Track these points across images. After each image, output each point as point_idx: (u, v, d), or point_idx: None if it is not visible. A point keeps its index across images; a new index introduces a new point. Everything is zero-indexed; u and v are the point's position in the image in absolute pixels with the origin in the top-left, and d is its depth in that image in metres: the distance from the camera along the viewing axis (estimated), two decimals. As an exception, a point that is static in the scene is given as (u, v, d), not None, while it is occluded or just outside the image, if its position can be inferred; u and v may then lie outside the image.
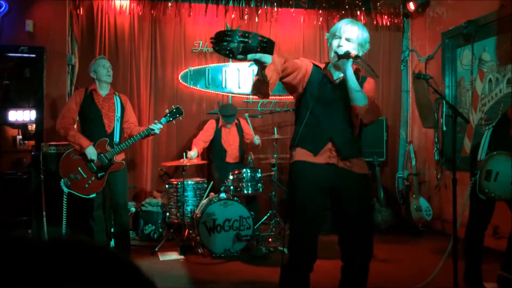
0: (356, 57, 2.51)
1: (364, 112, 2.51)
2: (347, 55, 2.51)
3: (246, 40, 2.10)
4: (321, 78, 2.63)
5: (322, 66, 2.73)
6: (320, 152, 2.56)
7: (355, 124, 2.59)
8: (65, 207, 4.12)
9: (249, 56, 2.16)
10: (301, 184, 2.57)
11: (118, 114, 4.09)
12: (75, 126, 4.21)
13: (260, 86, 2.39)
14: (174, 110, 4.16)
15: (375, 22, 6.29)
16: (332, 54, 2.59)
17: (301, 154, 2.60)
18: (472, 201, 3.38)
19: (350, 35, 2.58)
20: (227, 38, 2.10)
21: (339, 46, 2.57)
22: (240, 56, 2.15)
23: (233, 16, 6.05)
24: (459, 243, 3.07)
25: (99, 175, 3.99)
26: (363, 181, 2.62)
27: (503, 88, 4.77)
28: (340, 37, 2.60)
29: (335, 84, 2.63)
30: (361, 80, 2.66)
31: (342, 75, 2.61)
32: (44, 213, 4.53)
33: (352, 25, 2.61)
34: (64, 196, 4.05)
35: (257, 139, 5.40)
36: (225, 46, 2.12)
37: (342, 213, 2.60)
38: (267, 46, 2.18)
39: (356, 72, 2.65)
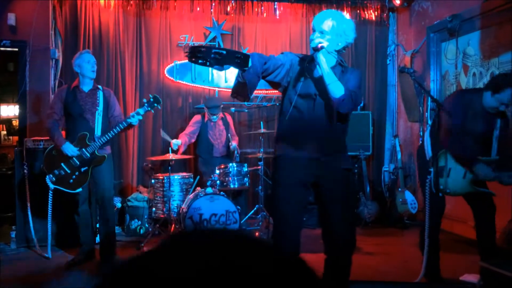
0: (321, 48, 2.52)
1: (339, 103, 2.51)
2: (315, 48, 2.54)
3: (219, 57, 2.15)
4: (305, 72, 2.63)
5: (307, 58, 2.71)
6: (303, 147, 2.57)
7: (334, 114, 2.58)
8: (51, 204, 4.08)
9: (225, 66, 2.22)
10: (283, 178, 2.58)
11: (100, 108, 4.05)
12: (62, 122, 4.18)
13: (240, 89, 2.41)
14: (152, 99, 4.07)
15: (361, 16, 6.30)
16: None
17: (284, 149, 2.60)
18: (428, 197, 3.40)
19: (323, 27, 2.58)
20: (200, 55, 2.13)
21: (312, 39, 2.60)
22: (217, 67, 2.19)
23: (219, 6, 6.02)
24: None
25: (83, 169, 3.96)
26: (345, 175, 2.63)
27: (486, 82, 4.81)
28: (314, 30, 2.61)
29: (318, 76, 2.62)
30: (344, 72, 2.66)
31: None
32: (29, 209, 4.49)
33: (324, 16, 2.60)
34: (49, 192, 4.02)
35: (234, 146, 5.36)
36: (200, 60, 2.15)
37: (324, 206, 2.62)
38: (241, 62, 2.22)
39: (340, 65, 2.66)
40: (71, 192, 3.99)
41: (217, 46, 5.98)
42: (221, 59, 2.15)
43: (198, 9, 5.95)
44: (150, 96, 4.11)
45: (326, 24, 2.57)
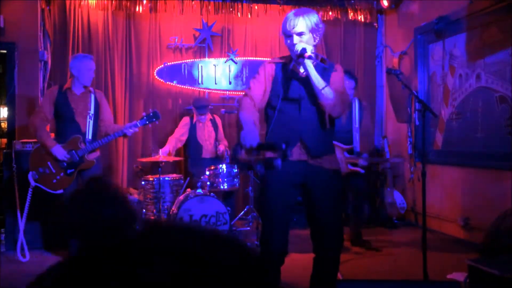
0: (308, 57, 2.49)
1: (331, 108, 2.52)
2: (301, 55, 2.49)
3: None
4: (288, 74, 2.62)
5: (288, 59, 2.68)
6: (291, 150, 2.56)
7: (325, 118, 2.58)
8: (29, 201, 4.07)
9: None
10: (272, 179, 2.58)
11: (92, 112, 4.04)
12: (49, 124, 4.15)
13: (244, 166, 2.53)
14: (151, 114, 4.09)
15: (349, 18, 6.36)
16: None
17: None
18: None
19: (299, 29, 2.54)
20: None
21: (292, 44, 2.56)
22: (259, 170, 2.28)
23: (209, 7, 6.03)
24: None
25: (69, 171, 3.94)
26: (333, 176, 2.65)
27: (472, 83, 4.88)
28: (290, 35, 2.57)
29: (302, 78, 2.61)
30: (328, 69, 2.65)
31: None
32: (18, 212, 4.46)
33: (295, 18, 2.54)
34: (30, 189, 4.01)
35: (221, 151, 5.38)
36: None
37: (312, 206, 2.64)
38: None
39: (322, 62, 2.65)
40: (51, 192, 3.97)
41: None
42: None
43: (183, 13, 5.95)
44: (151, 110, 4.14)
45: (300, 25, 2.54)
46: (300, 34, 2.55)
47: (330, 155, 2.68)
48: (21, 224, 4.18)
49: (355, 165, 4.37)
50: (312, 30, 2.55)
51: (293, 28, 2.54)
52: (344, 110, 2.62)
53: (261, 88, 2.64)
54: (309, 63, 2.51)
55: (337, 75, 2.67)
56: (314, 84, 2.50)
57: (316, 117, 2.59)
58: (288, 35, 2.59)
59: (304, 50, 2.49)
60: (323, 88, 2.49)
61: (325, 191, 2.61)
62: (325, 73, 2.62)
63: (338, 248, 2.67)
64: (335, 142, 4.23)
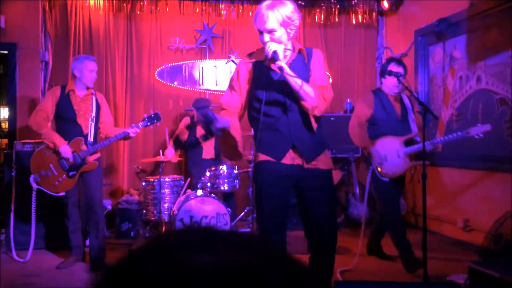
0: (280, 69, 2.34)
1: (312, 109, 2.44)
2: (273, 61, 2.36)
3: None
4: (266, 72, 2.50)
5: (264, 54, 2.48)
6: (284, 154, 2.53)
7: (311, 119, 2.51)
8: (34, 204, 4.08)
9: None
10: (266, 182, 2.55)
11: (94, 114, 4.05)
12: (49, 124, 4.15)
13: (232, 151, 2.48)
14: (153, 116, 4.13)
15: (350, 20, 6.36)
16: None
17: (264, 155, 2.57)
18: (376, 187, 3.93)
19: (269, 25, 2.37)
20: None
21: (264, 42, 2.41)
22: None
23: (209, 9, 6.04)
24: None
25: (71, 174, 3.95)
26: (327, 176, 2.63)
27: (473, 85, 4.89)
28: (262, 32, 2.40)
29: (282, 80, 2.45)
30: (308, 59, 2.54)
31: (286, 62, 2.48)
32: (12, 211, 4.46)
33: (264, 13, 2.36)
34: (33, 192, 4.01)
35: None
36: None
37: (307, 205, 2.63)
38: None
39: (300, 52, 2.56)
40: (53, 194, 3.98)
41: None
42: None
43: (184, 14, 5.96)
44: (152, 112, 4.20)
45: (270, 21, 2.36)
46: (270, 31, 2.38)
47: (324, 154, 2.63)
48: (33, 228, 4.19)
49: (416, 158, 3.93)
50: (284, 24, 2.37)
51: (263, 24, 2.37)
52: (326, 107, 2.50)
53: (237, 98, 2.60)
54: (283, 68, 2.35)
55: (317, 63, 2.54)
56: (292, 87, 2.38)
57: (304, 118, 2.50)
58: (260, 32, 2.42)
59: (275, 55, 2.34)
60: (301, 87, 2.36)
61: (319, 191, 2.59)
62: (304, 65, 2.53)
63: (333, 247, 2.66)
64: (389, 136, 3.81)
